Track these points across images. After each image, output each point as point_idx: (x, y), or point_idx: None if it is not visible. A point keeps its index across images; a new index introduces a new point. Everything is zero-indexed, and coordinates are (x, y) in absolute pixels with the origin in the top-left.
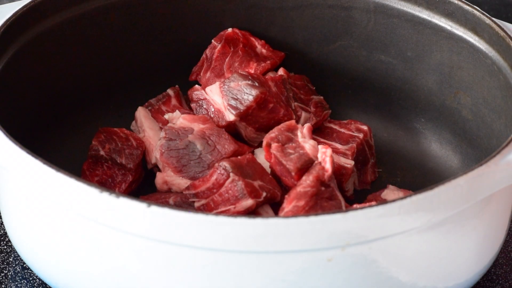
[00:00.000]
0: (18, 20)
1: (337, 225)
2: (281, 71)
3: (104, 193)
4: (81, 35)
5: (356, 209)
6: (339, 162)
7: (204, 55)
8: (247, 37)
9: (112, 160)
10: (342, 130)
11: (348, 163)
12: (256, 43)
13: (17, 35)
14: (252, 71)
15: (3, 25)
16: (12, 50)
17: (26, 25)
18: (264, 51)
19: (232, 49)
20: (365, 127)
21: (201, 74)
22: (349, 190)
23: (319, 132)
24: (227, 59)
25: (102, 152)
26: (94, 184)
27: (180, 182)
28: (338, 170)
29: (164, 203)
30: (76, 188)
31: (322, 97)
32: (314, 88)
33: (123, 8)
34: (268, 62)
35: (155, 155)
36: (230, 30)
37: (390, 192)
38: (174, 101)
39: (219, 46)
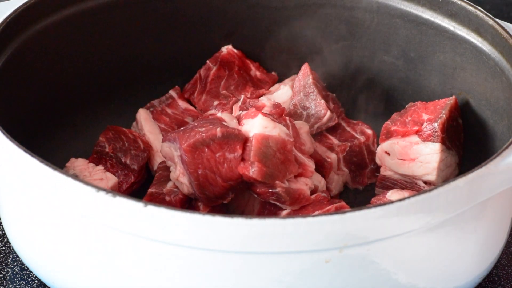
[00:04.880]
0: (19, 17)
1: (335, 226)
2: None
3: (100, 192)
4: (81, 33)
5: (354, 210)
6: (322, 154)
7: (197, 75)
8: (242, 59)
9: (116, 158)
10: (348, 129)
11: (329, 156)
12: (251, 66)
13: (17, 33)
14: (248, 95)
15: (3, 22)
16: (12, 48)
17: (26, 22)
18: (258, 73)
19: (227, 72)
20: (369, 131)
21: (195, 95)
22: (332, 190)
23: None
24: (222, 82)
25: (107, 149)
26: (90, 183)
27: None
28: (320, 162)
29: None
30: (73, 187)
31: (334, 94)
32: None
33: (124, 6)
34: (263, 89)
35: None
36: (225, 51)
37: (395, 192)
38: (180, 103)
39: (214, 69)
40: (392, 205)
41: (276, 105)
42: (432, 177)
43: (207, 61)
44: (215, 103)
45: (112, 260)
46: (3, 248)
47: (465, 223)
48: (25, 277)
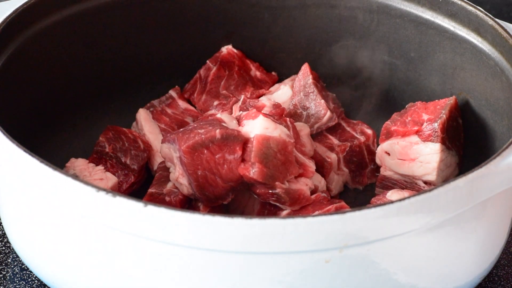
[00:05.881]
0: (19, 17)
1: (335, 226)
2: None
3: (100, 192)
4: (81, 33)
5: (354, 210)
6: (322, 154)
7: (197, 75)
8: (242, 59)
9: (116, 158)
10: (348, 129)
11: (329, 156)
12: (251, 66)
13: (17, 33)
14: (248, 95)
15: (3, 22)
16: (12, 48)
17: (26, 22)
18: (258, 73)
19: (227, 72)
20: (369, 131)
21: (195, 95)
22: (332, 190)
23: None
24: (222, 82)
25: (107, 149)
26: (90, 183)
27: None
28: (320, 162)
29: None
30: (73, 187)
31: (334, 94)
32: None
33: (124, 6)
34: (263, 89)
35: None
36: (225, 51)
37: (395, 192)
38: (180, 103)
39: (214, 69)
40: (392, 205)
41: (276, 105)
42: (432, 177)
43: (207, 61)
44: (215, 103)
45: (112, 260)
46: (3, 248)
47: (465, 223)
48: (25, 277)
